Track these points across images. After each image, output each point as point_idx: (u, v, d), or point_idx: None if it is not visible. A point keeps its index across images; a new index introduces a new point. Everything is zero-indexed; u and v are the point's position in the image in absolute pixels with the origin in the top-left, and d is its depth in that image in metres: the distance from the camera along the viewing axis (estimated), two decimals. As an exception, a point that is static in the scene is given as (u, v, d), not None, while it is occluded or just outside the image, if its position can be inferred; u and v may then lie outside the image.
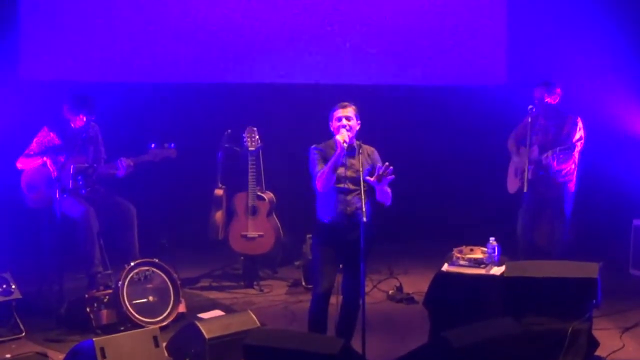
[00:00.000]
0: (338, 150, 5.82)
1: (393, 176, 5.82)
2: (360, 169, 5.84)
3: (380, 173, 5.78)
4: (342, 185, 5.93)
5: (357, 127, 5.99)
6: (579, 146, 7.59)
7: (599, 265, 6.10)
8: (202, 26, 9.38)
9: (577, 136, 7.58)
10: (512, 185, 7.94)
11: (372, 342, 5.94)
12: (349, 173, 5.92)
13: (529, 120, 7.56)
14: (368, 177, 5.84)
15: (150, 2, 9.38)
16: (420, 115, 9.58)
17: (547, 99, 7.62)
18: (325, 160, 5.92)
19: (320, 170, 5.89)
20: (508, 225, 7.89)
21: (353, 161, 5.93)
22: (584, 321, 5.87)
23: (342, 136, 5.84)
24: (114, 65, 9.31)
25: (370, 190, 5.90)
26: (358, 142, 6.00)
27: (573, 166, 7.64)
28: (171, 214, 9.34)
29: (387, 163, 5.82)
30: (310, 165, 6.00)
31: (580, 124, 7.61)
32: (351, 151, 5.92)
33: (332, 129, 6.00)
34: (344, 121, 5.92)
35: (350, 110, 5.97)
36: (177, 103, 9.49)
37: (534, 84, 7.74)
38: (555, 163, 7.48)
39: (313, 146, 6.04)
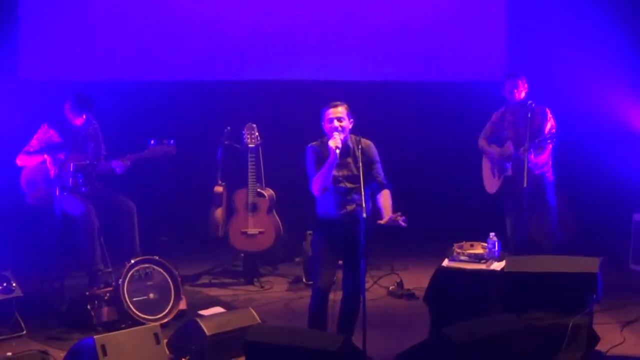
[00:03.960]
0: (331, 157, 5.79)
1: (404, 224, 5.81)
2: (360, 165, 5.83)
3: (391, 219, 5.81)
4: (339, 185, 5.92)
5: (350, 126, 5.94)
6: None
7: (599, 260, 6.10)
8: (202, 24, 9.38)
9: (549, 126, 7.62)
10: (490, 186, 7.95)
11: (373, 338, 5.94)
12: (346, 172, 5.91)
13: (523, 114, 7.57)
14: (379, 221, 5.83)
15: (148, 0, 9.38)
16: (419, 111, 9.58)
17: (522, 89, 7.65)
18: (321, 160, 5.89)
19: (316, 174, 5.88)
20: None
21: (349, 160, 5.92)
22: (584, 316, 5.87)
23: (335, 142, 5.78)
24: (113, 63, 9.31)
25: (369, 187, 5.90)
26: (355, 137, 5.98)
27: (548, 156, 7.67)
28: (171, 211, 9.36)
29: (399, 214, 5.81)
30: (307, 166, 5.99)
31: (549, 114, 7.64)
32: (346, 150, 5.90)
33: (324, 129, 5.96)
34: (336, 123, 5.86)
35: (341, 110, 5.91)
36: (177, 100, 9.50)
37: (535, 79, 7.77)
38: (532, 156, 7.49)
39: (309, 146, 6.00)
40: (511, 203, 7.78)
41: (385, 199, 6.00)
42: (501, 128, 7.80)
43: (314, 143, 6.01)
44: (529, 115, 7.55)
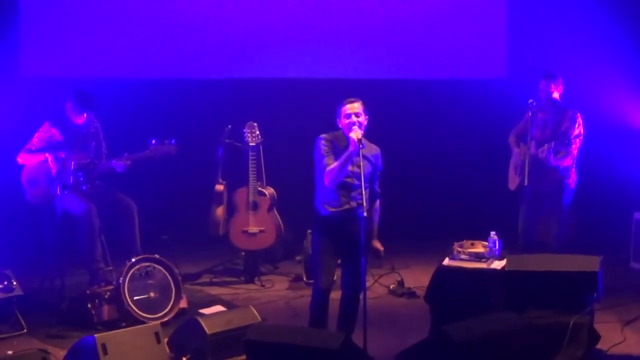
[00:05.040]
0: (351, 148, 5.78)
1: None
2: (361, 164, 5.83)
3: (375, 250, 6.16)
4: (348, 181, 5.91)
5: (365, 122, 5.96)
6: (577, 142, 7.55)
7: (600, 259, 6.10)
8: (203, 22, 9.37)
9: (576, 132, 7.53)
10: (512, 182, 7.93)
11: (374, 336, 5.94)
12: (355, 169, 5.90)
13: (530, 114, 7.55)
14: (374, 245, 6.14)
15: (150, -2, 9.40)
16: (420, 109, 9.57)
17: (554, 90, 7.59)
18: (334, 151, 5.90)
19: (330, 165, 5.86)
20: (509, 219, 7.89)
21: (357, 157, 5.91)
22: (585, 315, 5.88)
23: (356, 134, 5.79)
24: (114, 61, 9.30)
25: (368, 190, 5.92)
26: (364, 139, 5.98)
27: (571, 162, 7.61)
28: (172, 210, 9.35)
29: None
30: (317, 155, 5.97)
31: (579, 120, 7.57)
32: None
33: (340, 125, 5.95)
34: (354, 118, 5.87)
35: (358, 106, 5.93)
36: (178, 99, 9.49)
37: (536, 76, 7.71)
38: (551, 158, 7.45)
39: (320, 137, 5.98)
40: (526, 201, 7.75)
41: (375, 214, 6.13)
42: (531, 126, 7.72)
43: (325, 134, 6.00)
44: (530, 113, 7.54)
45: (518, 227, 7.79)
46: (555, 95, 7.61)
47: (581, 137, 7.57)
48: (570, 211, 7.79)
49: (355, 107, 5.93)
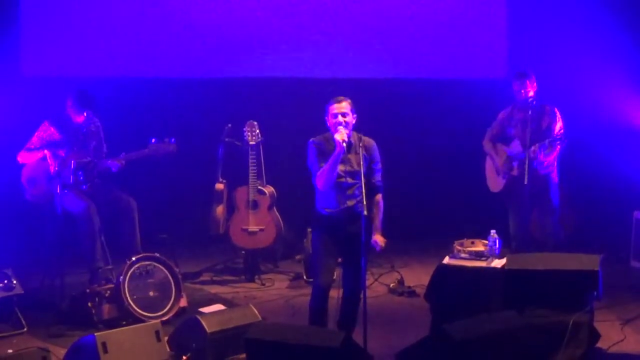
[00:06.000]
0: (337, 150, 5.81)
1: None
2: (361, 162, 5.84)
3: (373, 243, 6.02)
4: (341, 180, 5.93)
5: (353, 122, 5.96)
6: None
7: (600, 258, 6.10)
8: (203, 21, 9.37)
9: (558, 127, 7.59)
10: (494, 185, 7.93)
11: (374, 335, 5.94)
12: (347, 168, 5.92)
13: (529, 113, 7.56)
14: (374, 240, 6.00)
15: (150, -3, 9.40)
16: (420, 109, 9.57)
17: (530, 89, 7.62)
18: (324, 154, 5.91)
19: (320, 169, 5.89)
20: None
21: (350, 156, 5.92)
22: (585, 313, 5.88)
23: (341, 135, 5.81)
24: (114, 60, 9.30)
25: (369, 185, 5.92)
26: (357, 135, 5.99)
27: (554, 157, 7.65)
28: (172, 209, 9.35)
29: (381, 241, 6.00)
30: (309, 161, 6.01)
31: (558, 115, 7.62)
32: (348, 146, 5.89)
33: (328, 123, 5.98)
34: (340, 118, 5.89)
35: (345, 105, 5.94)
36: (178, 98, 9.49)
37: (536, 76, 7.73)
38: (542, 155, 7.48)
39: (311, 140, 6.03)
40: (515, 202, 7.76)
41: (377, 208, 6.07)
42: (508, 126, 7.78)
43: (315, 138, 6.03)
44: (529, 112, 7.56)
45: (510, 228, 7.78)
46: (531, 93, 7.64)
47: (562, 131, 7.60)
48: (562, 207, 7.81)
49: (342, 106, 5.93)
